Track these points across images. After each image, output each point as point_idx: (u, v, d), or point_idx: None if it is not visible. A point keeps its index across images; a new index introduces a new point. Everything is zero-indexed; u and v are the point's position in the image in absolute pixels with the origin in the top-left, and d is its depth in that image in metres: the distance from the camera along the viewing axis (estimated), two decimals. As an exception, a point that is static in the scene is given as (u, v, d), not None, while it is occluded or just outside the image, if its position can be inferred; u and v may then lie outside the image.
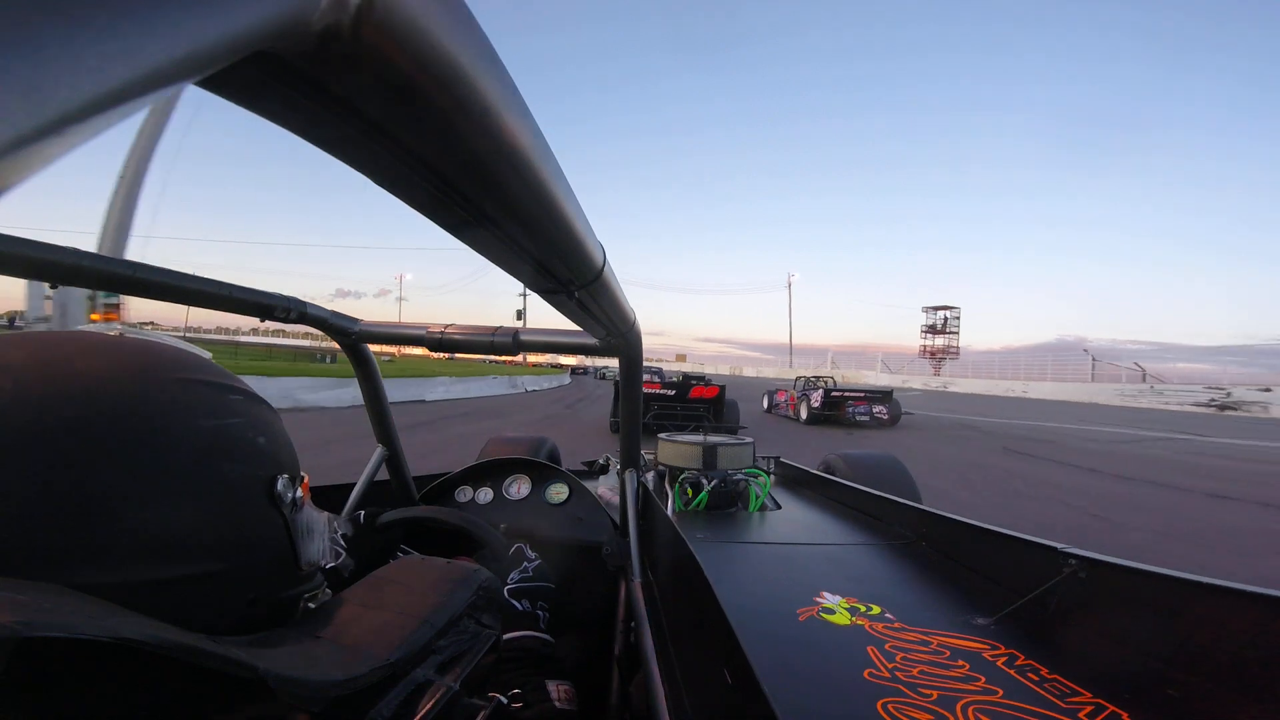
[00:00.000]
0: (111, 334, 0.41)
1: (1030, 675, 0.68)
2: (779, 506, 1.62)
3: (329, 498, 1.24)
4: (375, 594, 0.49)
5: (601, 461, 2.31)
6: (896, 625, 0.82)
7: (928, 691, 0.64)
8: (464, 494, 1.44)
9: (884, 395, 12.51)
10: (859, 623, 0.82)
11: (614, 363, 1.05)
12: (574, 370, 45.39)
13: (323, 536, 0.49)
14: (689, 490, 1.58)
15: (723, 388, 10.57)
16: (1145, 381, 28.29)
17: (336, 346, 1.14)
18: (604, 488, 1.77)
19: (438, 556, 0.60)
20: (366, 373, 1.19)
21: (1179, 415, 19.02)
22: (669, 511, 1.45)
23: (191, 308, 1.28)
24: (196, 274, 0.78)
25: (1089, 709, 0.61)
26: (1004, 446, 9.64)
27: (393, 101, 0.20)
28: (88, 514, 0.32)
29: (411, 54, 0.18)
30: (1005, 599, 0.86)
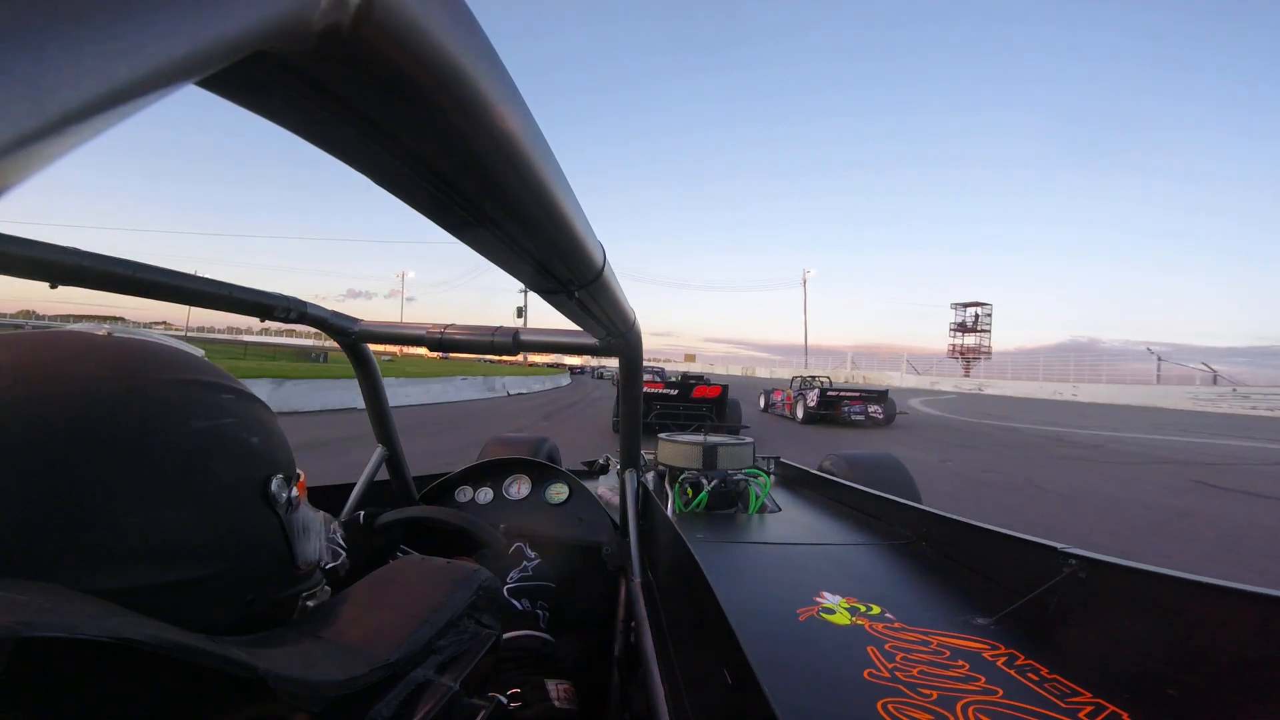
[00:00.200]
0: (100, 333, 0.40)
1: (1030, 675, 0.68)
2: (779, 507, 1.62)
3: (329, 498, 1.24)
4: (375, 594, 0.49)
5: (601, 461, 2.31)
6: (896, 625, 0.82)
7: (928, 691, 0.64)
8: (464, 494, 1.44)
9: (879, 395, 12.58)
10: (859, 623, 0.82)
11: (613, 362, 1.05)
12: (574, 370, 45.36)
13: (319, 535, 0.49)
14: (689, 490, 1.58)
15: (725, 387, 10.59)
16: (1217, 384, 26.66)
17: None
18: (604, 488, 1.77)
19: (437, 556, 0.60)
20: (366, 372, 1.19)
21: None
22: (669, 511, 1.45)
23: (193, 308, 1.28)
24: (197, 274, 0.78)
25: (1089, 709, 0.61)
26: (1192, 479, 6.78)
27: (393, 101, 0.20)
28: (79, 519, 0.32)
29: (411, 54, 0.18)
30: (1005, 599, 0.86)
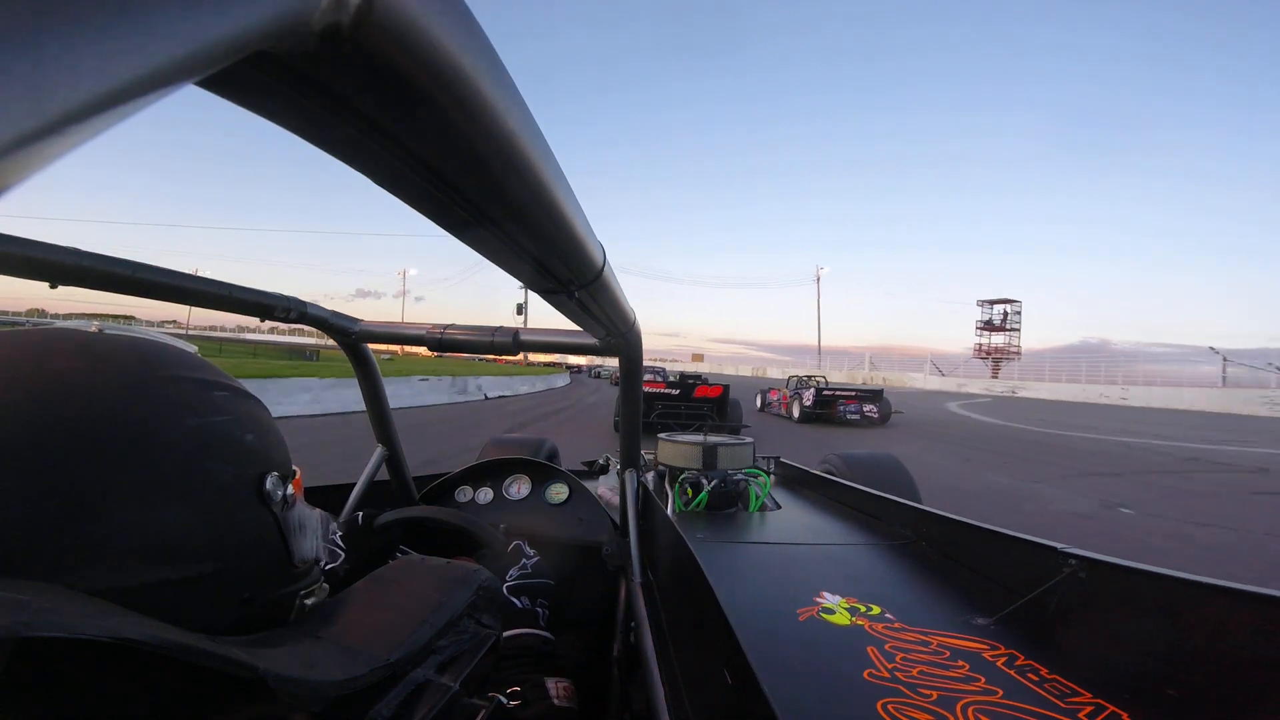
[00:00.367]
0: (91, 330, 0.40)
1: (1030, 675, 0.68)
2: (779, 506, 1.62)
3: (328, 498, 1.24)
4: (375, 594, 0.49)
5: (601, 461, 2.31)
6: (896, 625, 0.82)
7: (928, 692, 0.64)
8: (464, 494, 1.44)
9: (874, 394, 12.63)
10: (859, 623, 0.82)
11: (610, 362, 1.05)
12: (574, 369, 45.35)
13: (316, 533, 0.48)
14: (689, 490, 1.58)
15: (726, 387, 10.60)
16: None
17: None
18: (604, 488, 1.77)
19: (437, 556, 0.60)
20: (366, 372, 1.19)
21: None
22: (669, 511, 1.45)
23: (194, 308, 1.28)
24: (197, 274, 0.78)
25: (1089, 709, 0.61)
26: None
27: (393, 101, 0.20)
28: (71, 518, 0.31)
29: (411, 54, 0.18)
30: (1005, 599, 0.86)
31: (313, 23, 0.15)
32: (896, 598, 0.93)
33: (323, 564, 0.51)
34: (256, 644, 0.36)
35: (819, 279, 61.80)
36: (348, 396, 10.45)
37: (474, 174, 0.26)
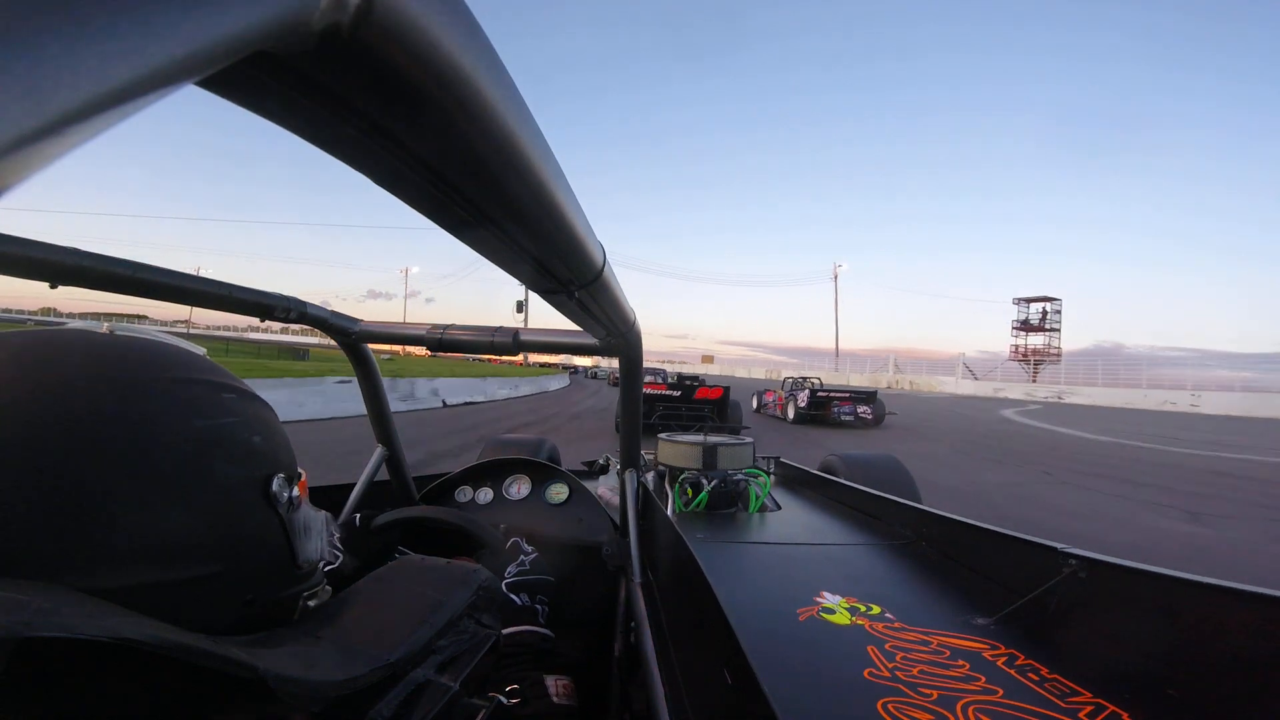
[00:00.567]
0: (101, 331, 0.40)
1: (1030, 675, 0.68)
2: (779, 507, 1.62)
3: (329, 498, 1.24)
4: (375, 594, 0.49)
5: (601, 461, 2.31)
6: (896, 625, 0.82)
7: (928, 691, 0.64)
8: (464, 494, 1.44)
9: (868, 396, 12.66)
10: (859, 623, 0.82)
11: (608, 362, 1.05)
12: (573, 370, 45.35)
13: (320, 535, 0.49)
14: (689, 490, 1.58)
15: (727, 388, 10.62)
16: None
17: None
18: (604, 488, 1.77)
19: (437, 556, 0.60)
20: (366, 372, 1.19)
21: None
22: (669, 512, 1.45)
23: (195, 308, 1.28)
24: (197, 274, 0.78)
25: (1089, 709, 0.61)
26: None
27: (393, 101, 0.20)
28: (79, 518, 0.31)
29: (411, 54, 0.18)
30: (1005, 599, 0.86)
31: (313, 23, 0.15)
32: (897, 597, 0.93)
33: (324, 564, 0.51)
34: (256, 644, 0.36)
35: (836, 276, 58.83)
36: (273, 397, 7.95)
37: (474, 174, 0.26)
